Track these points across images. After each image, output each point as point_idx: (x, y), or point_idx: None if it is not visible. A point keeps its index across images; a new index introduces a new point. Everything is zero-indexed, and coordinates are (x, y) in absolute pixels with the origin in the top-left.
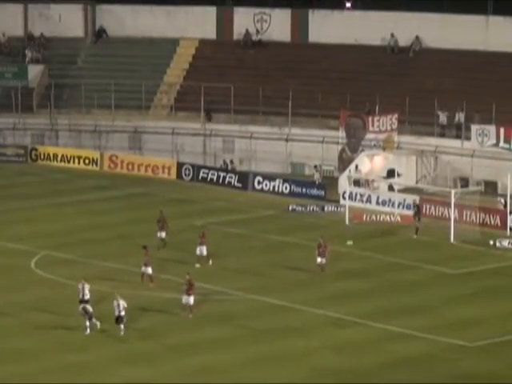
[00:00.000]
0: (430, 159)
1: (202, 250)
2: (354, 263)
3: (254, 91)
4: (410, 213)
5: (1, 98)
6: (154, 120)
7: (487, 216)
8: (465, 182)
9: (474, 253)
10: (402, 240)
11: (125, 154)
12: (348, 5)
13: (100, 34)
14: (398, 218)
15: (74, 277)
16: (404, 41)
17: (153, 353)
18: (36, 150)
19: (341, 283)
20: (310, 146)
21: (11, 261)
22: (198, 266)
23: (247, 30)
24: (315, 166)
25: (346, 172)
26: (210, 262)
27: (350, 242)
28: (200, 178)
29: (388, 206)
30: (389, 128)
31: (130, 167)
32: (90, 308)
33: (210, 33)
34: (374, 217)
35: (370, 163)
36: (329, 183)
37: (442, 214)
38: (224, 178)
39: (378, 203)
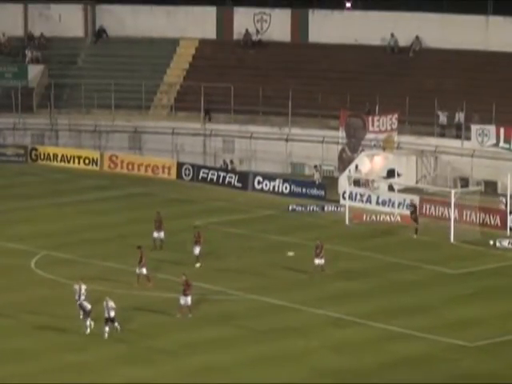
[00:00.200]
0: (430, 159)
1: (195, 250)
2: (354, 263)
3: (254, 91)
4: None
5: (1, 98)
6: (154, 120)
7: (487, 216)
8: (465, 182)
9: (474, 253)
10: (402, 240)
11: (125, 154)
12: (348, 5)
13: (100, 33)
14: (398, 218)
15: (74, 277)
16: (404, 41)
17: (152, 353)
18: (36, 150)
19: (341, 283)
20: (310, 145)
21: (11, 261)
22: (198, 265)
23: (247, 30)
24: (315, 166)
25: (346, 172)
26: (198, 265)
27: (290, 253)
28: (200, 178)
29: (388, 205)
30: (389, 128)
31: (130, 167)
32: (87, 305)
33: (210, 33)
34: (373, 217)
35: (369, 163)
36: (329, 183)
37: (442, 214)
38: (224, 177)
39: (377, 203)
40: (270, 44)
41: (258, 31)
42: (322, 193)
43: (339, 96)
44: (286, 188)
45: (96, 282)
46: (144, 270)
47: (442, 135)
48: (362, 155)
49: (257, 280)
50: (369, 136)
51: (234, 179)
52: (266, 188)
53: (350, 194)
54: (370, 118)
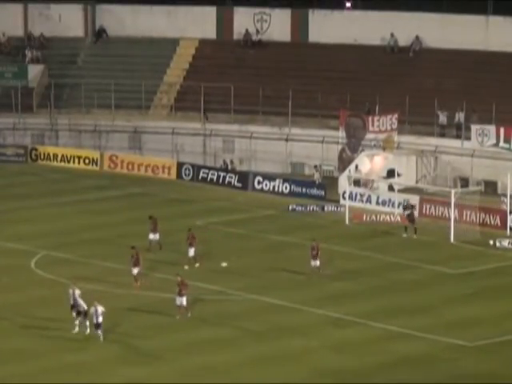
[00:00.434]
0: (430, 159)
1: (190, 252)
2: (353, 263)
3: (254, 91)
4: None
5: (1, 98)
6: (154, 120)
7: (487, 216)
8: (465, 182)
9: (474, 253)
10: (401, 240)
11: (125, 154)
12: (348, 5)
13: (100, 33)
14: (398, 218)
15: (75, 277)
16: (404, 41)
17: (152, 353)
18: (36, 150)
19: (340, 283)
20: (310, 146)
21: (11, 261)
22: (197, 265)
23: (247, 30)
24: (315, 166)
25: (346, 172)
26: (186, 267)
27: (224, 264)
28: (200, 177)
29: (388, 206)
30: (389, 128)
31: (130, 167)
32: (83, 305)
33: (210, 33)
34: (373, 217)
35: (369, 163)
36: (329, 183)
37: (442, 214)
38: (224, 177)
39: (377, 203)
40: (270, 44)
41: (257, 31)
42: (322, 193)
43: (339, 96)
44: (285, 188)
45: (96, 282)
46: (135, 270)
47: (442, 135)
48: (362, 155)
49: (257, 280)
50: (369, 136)
51: (233, 179)
52: (265, 188)
53: (350, 194)
54: (370, 118)
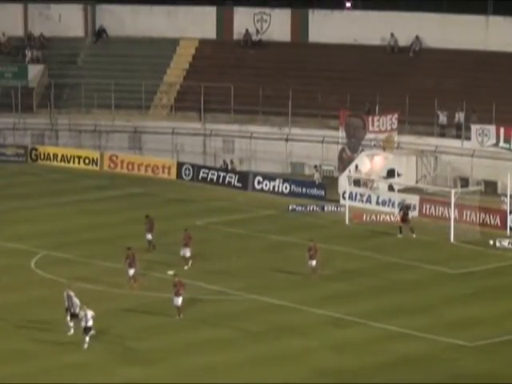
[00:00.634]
0: (430, 159)
1: (186, 252)
2: (353, 263)
3: (254, 91)
4: (411, 213)
5: (1, 98)
6: (154, 120)
7: (487, 216)
8: (465, 182)
9: (474, 253)
10: (401, 240)
11: (125, 154)
12: (348, 5)
13: (100, 33)
14: (398, 218)
15: (74, 277)
16: (404, 41)
17: (151, 353)
18: (36, 149)
19: (340, 283)
20: (310, 145)
21: (11, 261)
22: (186, 268)
23: (247, 30)
24: (315, 166)
25: (346, 172)
26: (186, 267)
27: (170, 272)
28: (200, 177)
29: (388, 206)
30: (389, 128)
31: (130, 167)
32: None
33: (210, 33)
34: (373, 217)
35: (369, 163)
36: (329, 183)
37: (442, 214)
38: (224, 177)
39: (377, 203)
40: (270, 44)
41: (257, 31)
42: (322, 193)
43: (339, 96)
44: (285, 188)
45: (95, 282)
46: (131, 271)
47: (442, 135)
48: (362, 155)
49: (257, 280)
50: (369, 136)
51: (233, 179)
52: (265, 188)
53: (350, 194)
54: (370, 118)
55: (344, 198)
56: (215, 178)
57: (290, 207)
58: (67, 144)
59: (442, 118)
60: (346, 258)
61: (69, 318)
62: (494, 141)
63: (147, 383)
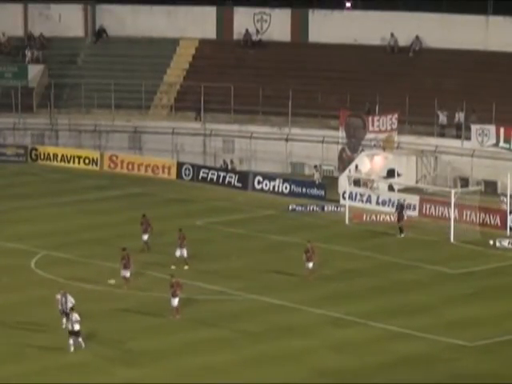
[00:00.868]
0: (430, 159)
1: (183, 252)
2: (353, 263)
3: (254, 91)
4: (411, 213)
5: (1, 98)
6: (154, 120)
7: (487, 216)
8: (465, 182)
9: (474, 253)
10: (401, 240)
11: (125, 154)
12: (348, 5)
13: (100, 33)
14: (395, 218)
15: (74, 277)
16: (404, 41)
17: (151, 353)
18: (36, 149)
19: (341, 283)
20: (310, 145)
21: (11, 261)
22: (173, 267)
23: (247, 30)
24: (315, 166)
25: (346, 172)
26: (186, 267)
27: (111, 281)
28: (200, 177)
29: (388, 205)
30: (389, 128)
31: (130, 167)
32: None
33: (210, 33)
34: (373, 217)
35: (369, 163)
36: (329, 183)
37: (442, 214)
38: (224, 177)
39: (377, 203)
40: (270, 44)
41: (257, 31)
42: (322, 193)
43: (339, 96)
44: (285, 188)
45: (95, 282)
46: (126, 273)
47: (442, 135)
48: (362, 155)
49: (257, 280)
50: (369, 136)
51: (233, 179)
52: (265, 188)
53: (350, 194)
54: (370, 118)
55: (344, 198)
56: (215, 177)
57: (290, 207)
58: (67, 144)
59: (442, 118)
60: (346, 258)
61: (64, 320)
62: (494, 141)
63: (147, 383)
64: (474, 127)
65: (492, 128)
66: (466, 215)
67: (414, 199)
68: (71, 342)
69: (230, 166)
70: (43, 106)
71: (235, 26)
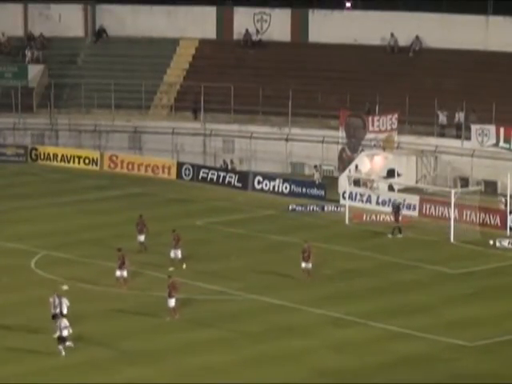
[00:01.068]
0: (430, 159)
1: (177, 254)
2: (353, 263)
3: (254, 91)
4: (411, 213)
5: (1, 98)
6: (154, 120)
7: (487, 216)
8: (465, 182)
9: (474, 253)
10: (401, 240)
11: (125, 154)
12: (348, 5)
13: (100, 33)
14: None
15: (74, 277)
16: (404, 41)
17: (152, 353)
18: (36, 149)
19: (340, 283)
20: (310, 145)
21: (11, 261)
22: (171, 269)
23: (247, 30)
24: (315, 166)
25: (346, 172)
26: (184, 265)
27: (65, 287)
28: (200, 177)
29: (388, 205)
30: (389, 128)
31: (130, 167)
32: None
33: (210, 33)
34: (374, 217)
35: (369, 163)
36: (329, 183)
37: (442, 214)
38: (224, 177)
39: (377, 203)
40: (270, 44)
41: (257, 31)
42: (322, 193)
43: (339, 96)
44: (285, 188)
45: (95, 282)
46: (120, 273)
47: (442, 135)
48: (362, 155)
49: (257, 280)
50: (369, 136)
51: (233, 179)
52: (265, 188)
53: (350, 193)
54: (370, 118)
55: (344, 197)
56: (215, 177)
57: (290, 207)
58: (67, 144)
59: (442, 118)
60: (346, 258)
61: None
62: (493, 141)
63: (148, 383)
64: (473, 127)
65: (492, 128)
66: (466, 215)
67: (413, 199)
68: (61, 347)
69: (230, 166)
70: (43, 106)
71: (235, 25)
